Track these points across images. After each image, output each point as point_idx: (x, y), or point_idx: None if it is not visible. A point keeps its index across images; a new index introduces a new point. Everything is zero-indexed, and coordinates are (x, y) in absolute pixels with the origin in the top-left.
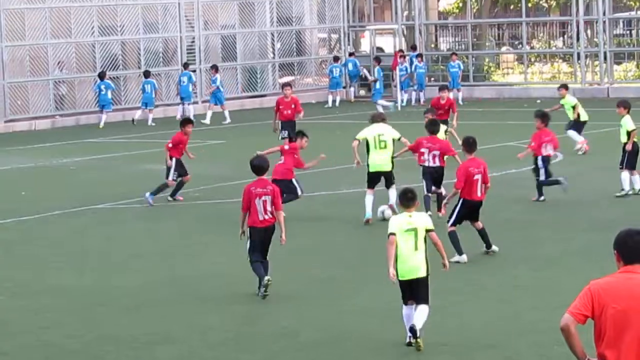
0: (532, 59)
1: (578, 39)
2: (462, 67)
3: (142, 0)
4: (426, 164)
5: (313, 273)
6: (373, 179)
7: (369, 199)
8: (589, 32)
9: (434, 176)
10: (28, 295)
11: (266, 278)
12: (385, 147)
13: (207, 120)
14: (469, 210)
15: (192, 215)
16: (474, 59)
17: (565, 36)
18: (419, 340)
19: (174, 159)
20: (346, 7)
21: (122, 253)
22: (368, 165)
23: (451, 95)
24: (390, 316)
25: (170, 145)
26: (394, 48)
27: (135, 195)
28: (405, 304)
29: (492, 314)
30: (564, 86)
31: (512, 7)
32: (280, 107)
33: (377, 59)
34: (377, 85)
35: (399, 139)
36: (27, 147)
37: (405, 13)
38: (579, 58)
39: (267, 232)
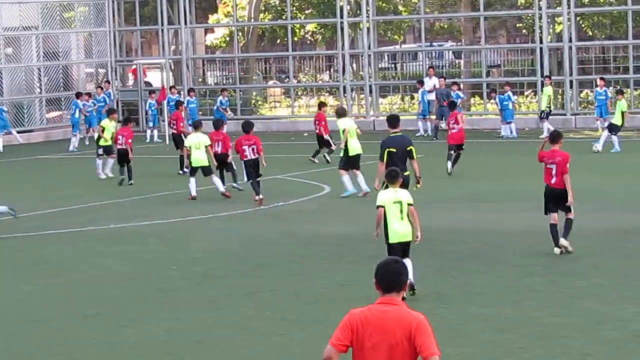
0: (299, 93)
1: (344, 73)
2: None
3: None
4: (247, 157)
5: None
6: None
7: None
8: (354, 65)
9: (255, 163)
10: None
11: None
12: None
13: None
14: (548, 197)
15: None
16: (241, 92)
17: (332, 70)
18: (415, 290)
19: None
20: (113, 41)
21: None
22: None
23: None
24: None
25: None
26: (162, 82)
27: None
28: None
29: (259, 347)
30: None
31: (278, 41)
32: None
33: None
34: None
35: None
36: None
37: (173, 47)
38: (345, 91)
39: None
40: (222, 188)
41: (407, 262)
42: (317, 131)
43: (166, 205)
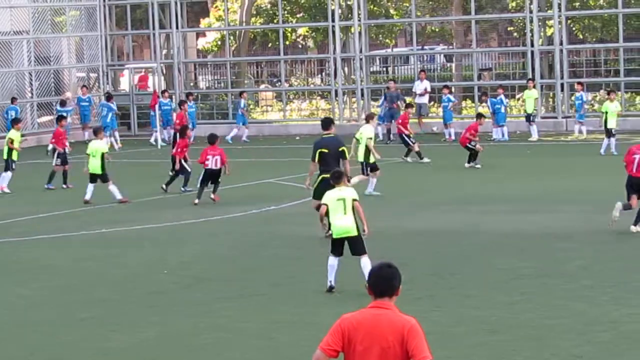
0: (291, 97)
1: (335, 76)
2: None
3: None
4: (209, 167)
5: None
6: None
7: None
8: (346, 69)
9: (215, 174)
10: None
11: None
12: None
13: None
14: (630, 185)
15: None
16: (233, 96)
17: (323, 73)
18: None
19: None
20: (104, 45)
21: None
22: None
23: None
24: None
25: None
26: (153, 87)
27: None
28: (334, 255)
29: (250, 351)
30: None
31: (270, 45)
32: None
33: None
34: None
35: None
36: None
37: (164, 51)
38: (336, 95)
39: None
40: (118, 196)
41: (365, 260)
42: (398, 130)
43: (158, 209)
